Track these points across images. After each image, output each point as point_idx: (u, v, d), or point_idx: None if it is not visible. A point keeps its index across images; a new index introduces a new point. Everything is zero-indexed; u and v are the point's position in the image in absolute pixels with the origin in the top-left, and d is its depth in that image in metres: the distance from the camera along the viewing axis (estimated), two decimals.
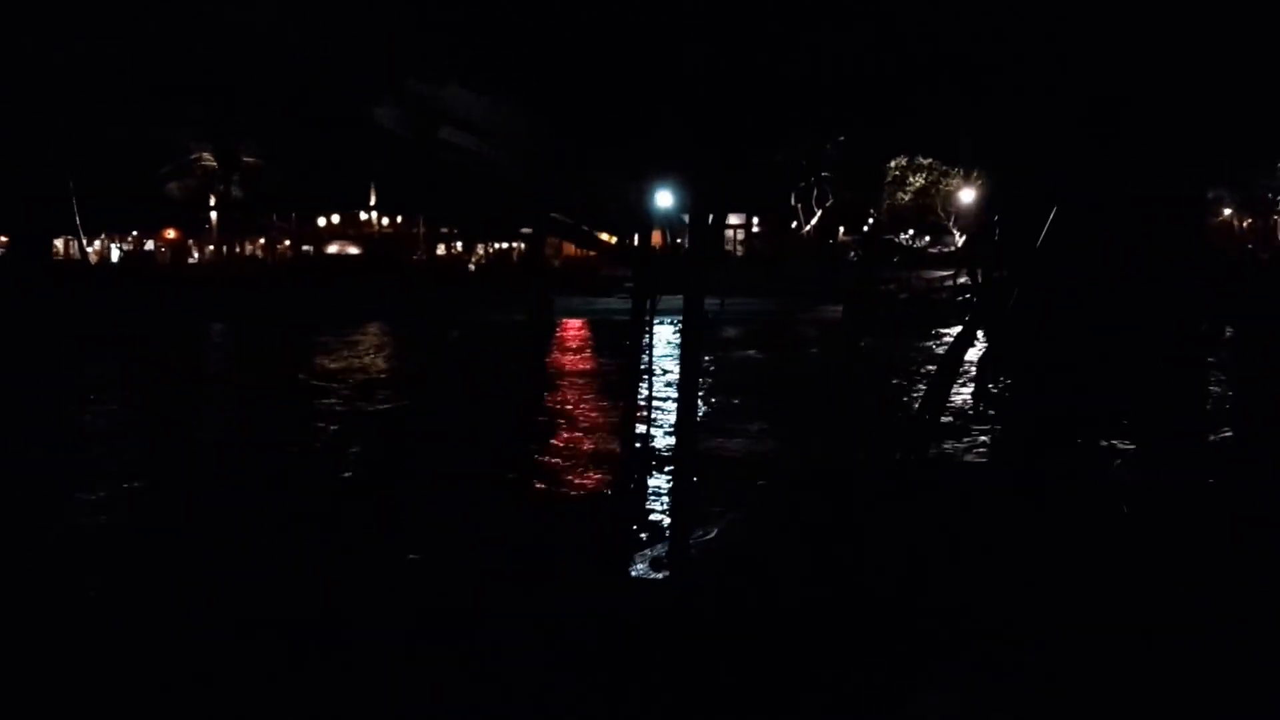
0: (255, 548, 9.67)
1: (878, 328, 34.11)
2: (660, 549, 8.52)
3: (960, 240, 73.79)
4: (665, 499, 10.28)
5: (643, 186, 7.92)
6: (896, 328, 33.61)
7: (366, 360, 26.95)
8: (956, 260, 57.70)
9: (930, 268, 58.30)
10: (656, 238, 10.30)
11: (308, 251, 62.82)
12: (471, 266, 62.13)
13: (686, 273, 7.45)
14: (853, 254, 69.68)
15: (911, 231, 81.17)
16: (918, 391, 20.05)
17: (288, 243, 63.08)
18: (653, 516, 9.81)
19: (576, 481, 12.46)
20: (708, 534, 8.22)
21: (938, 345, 29.34)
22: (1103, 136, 6.21)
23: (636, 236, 8.27)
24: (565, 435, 15.66)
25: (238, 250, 61.35)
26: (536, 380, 22.88)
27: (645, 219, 8.17)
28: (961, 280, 42.19)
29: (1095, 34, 6.00)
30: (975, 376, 12.20)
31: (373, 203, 61.77)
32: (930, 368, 23.45)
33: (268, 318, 39.55)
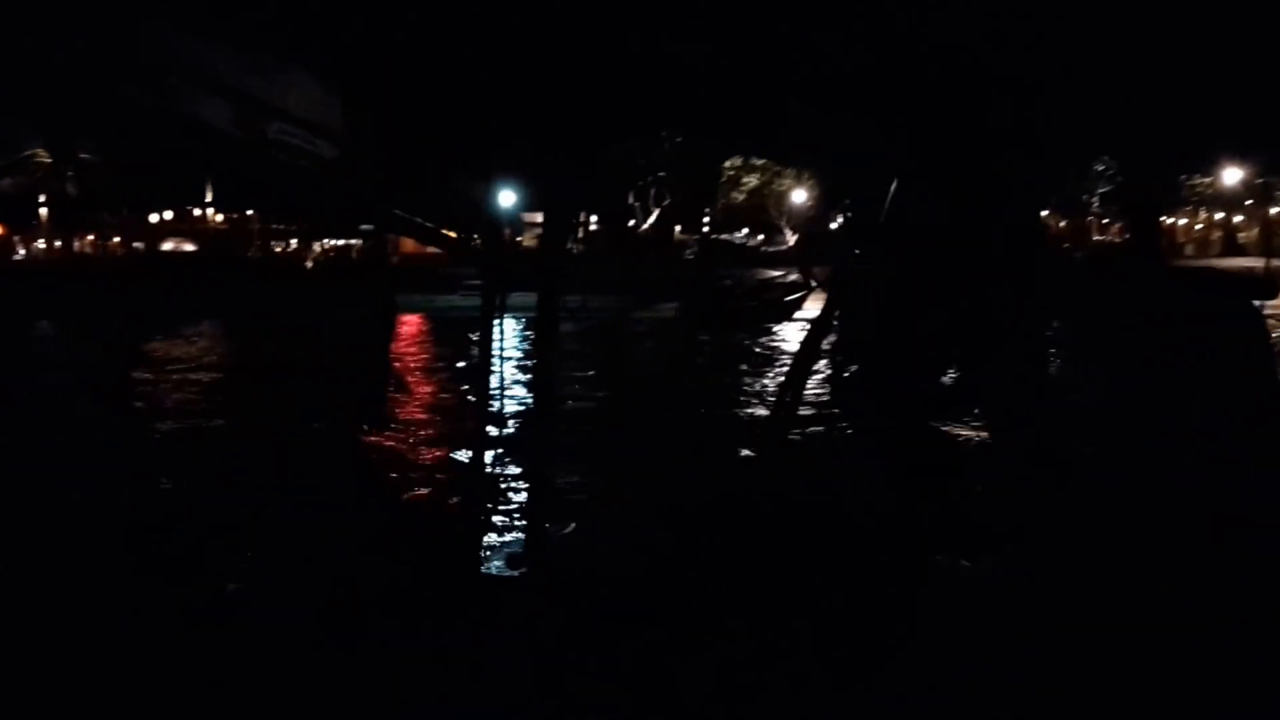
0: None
1: (714, 323, 34.86)
2: (516, 545, 8.54)
3: (792, 239, 75.58)
4: (519, 496, 10.29)
5: (487, 186, 7.90)
6: (733, 323, 34.38)
7: (203, 358, 26.22)
8: (789, 259, 59.10)
9: (764, 266, 59.51)
10: (504, 234, 10.32)
11: (139, 248, 61.05)
12: (309, 263, 60.84)
13: (541, 271, 7.46)
14: (689, 252, 70.63)
15: (746, 230, 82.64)
16: (752, 385, 20.55)
17: (120, 239, 61.25)
18: (506, 513, 9.82)
19: (425, 480, 12.35)
20: (564, 529, 8.30)
21: (771, 340, 30.10)
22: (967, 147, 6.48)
23: (481, 234, 8.22)
24: (412, 433, 15.53)
25: (67, 246, 59.23)
26: (380, 376, 22.55)
27: (491, 217, 8.15)
28: (793, 278, 43.27)
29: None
30: (829, 366, 12.45)
31: (208, 199, 60.60)
32: (768, 361, 24.06)
33: (95, 315, 37.91)
